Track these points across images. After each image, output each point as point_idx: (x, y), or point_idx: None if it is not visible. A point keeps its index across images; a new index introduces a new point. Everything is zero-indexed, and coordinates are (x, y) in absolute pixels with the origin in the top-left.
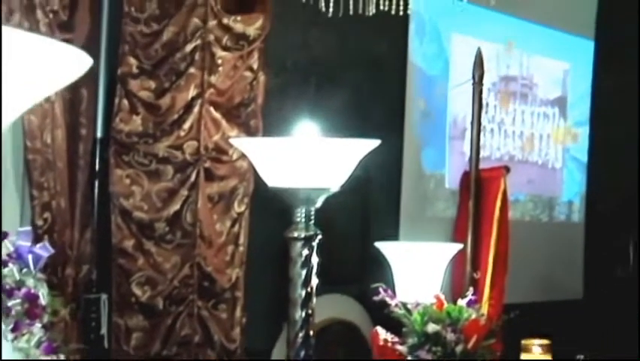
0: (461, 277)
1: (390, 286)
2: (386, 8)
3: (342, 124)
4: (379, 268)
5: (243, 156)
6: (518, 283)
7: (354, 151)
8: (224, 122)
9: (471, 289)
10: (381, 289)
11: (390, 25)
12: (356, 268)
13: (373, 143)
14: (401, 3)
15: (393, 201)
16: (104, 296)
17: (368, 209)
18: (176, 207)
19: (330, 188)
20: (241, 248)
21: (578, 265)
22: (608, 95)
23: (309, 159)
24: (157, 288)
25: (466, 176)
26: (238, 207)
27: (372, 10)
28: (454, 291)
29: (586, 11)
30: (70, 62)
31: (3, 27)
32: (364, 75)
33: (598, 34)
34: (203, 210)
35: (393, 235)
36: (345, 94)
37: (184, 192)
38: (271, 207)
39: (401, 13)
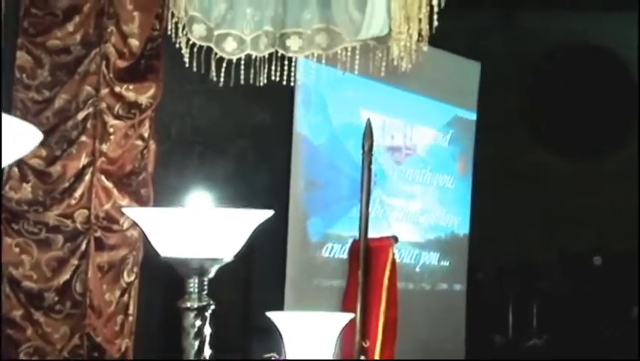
0: (350, 346)
1: (282, 355)
2: (277, 79)
3: (227, 193)
4: (263, 337)
5: (133, 225)
6: (401, 350)
7: (247, 221)
8: (115, 191)
9: (361, 357)
10: (273, 360)
11: (276, 94)
12: (238, 337)
13: (267, 213)
14: (292, 74)
15: (278, 270)
16: None
17: (252, 278)
18: (66, 276)
19: (223, 258)
20: (130, 318)
21: (460, 332)
22: (489, 165)
23: (202, 229)
24: (46, 359)
25: (354, 245)
26: (128, 277)
27: (263, 80)
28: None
29: (468, 84)
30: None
31: None
32: (249, 144)
33: (480, 106)
34: (93, 280)
35: (278, 303)
36: (230, 163)
37: (74, 261)
38: (161, 276)
39: (292, 83)
